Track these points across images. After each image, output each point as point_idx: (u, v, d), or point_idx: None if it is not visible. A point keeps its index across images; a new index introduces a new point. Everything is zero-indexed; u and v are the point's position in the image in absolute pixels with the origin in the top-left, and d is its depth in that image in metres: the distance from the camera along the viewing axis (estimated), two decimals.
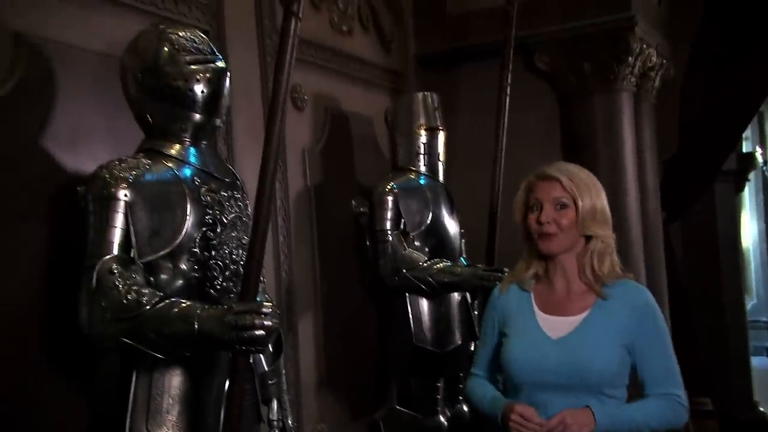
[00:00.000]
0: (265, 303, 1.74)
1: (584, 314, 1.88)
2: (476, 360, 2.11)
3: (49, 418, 2.07)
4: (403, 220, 3.21)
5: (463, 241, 3.50)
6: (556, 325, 1.89)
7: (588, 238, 1.90)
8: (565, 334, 1.87)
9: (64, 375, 2.11)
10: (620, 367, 1.86)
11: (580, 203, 1.86)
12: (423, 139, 3.35)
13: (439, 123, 3.38)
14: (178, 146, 1.99)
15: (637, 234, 4.05)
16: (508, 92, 3.22)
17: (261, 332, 1.68)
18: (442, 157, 3.38)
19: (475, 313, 3.38)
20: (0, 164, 1.97)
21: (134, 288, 1.78)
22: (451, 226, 3.38)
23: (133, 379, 1.89)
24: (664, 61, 4.43)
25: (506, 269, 2.80)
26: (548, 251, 1.90)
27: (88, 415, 2.14)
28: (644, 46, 4.00)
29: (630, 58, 3.90)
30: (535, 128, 4.04)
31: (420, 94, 3.41)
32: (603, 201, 1.91)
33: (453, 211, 3.41)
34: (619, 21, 3.80)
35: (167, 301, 1.78)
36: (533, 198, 1.92)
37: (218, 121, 2.05)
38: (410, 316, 3.22)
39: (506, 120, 3.24)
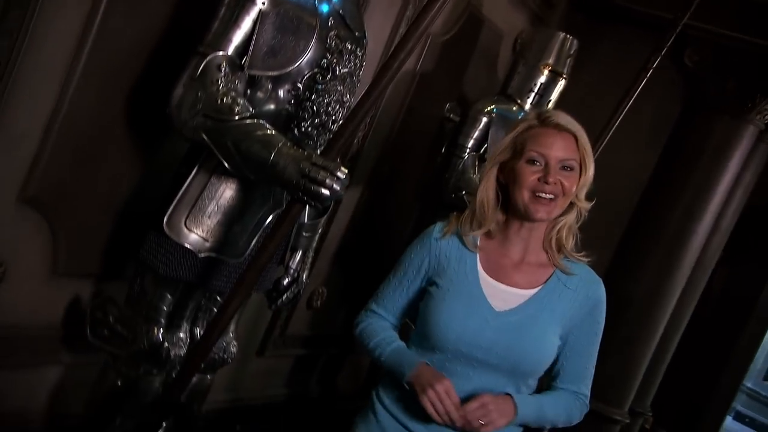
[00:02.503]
0: (342, 168, 1.73)
1: (535, 290, 1.63)
2: (381, 297, 1.78)
3: (108, 168, 2.12)
4: (486, 145, 3.15)
5: None
6: (502, 296, 1.62)
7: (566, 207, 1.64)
8: (511, 308, 1.61)
9: (136, 136, 2.14)
10: (553, 357, 1.65)
11: (587, 170, 1.60)
12: (543, 78, 3.24)
13: (565, 70, 3.25)
14: None
15: (690, 261, 3.99)
16: (648, 75, 3.06)
17: (327, 192, 1.69)
18: (551, 104, 3.27)
19: None
20: None
21: (232, 93, 1.79)
22: None
23: (193, 173, 1.91)
24: None
25: None
26: (540, 217, 1.59)
27: (138, 186, 2.20)
28: None
29: None
30: (645, 117, 3.87)
31: (561, 34, 3.26)
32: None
33: None
34: None
35: (257, 120, 1.78)
36: (535, 150, 1.57)
37: None
38: None
39: (632, 101, 3.09)
